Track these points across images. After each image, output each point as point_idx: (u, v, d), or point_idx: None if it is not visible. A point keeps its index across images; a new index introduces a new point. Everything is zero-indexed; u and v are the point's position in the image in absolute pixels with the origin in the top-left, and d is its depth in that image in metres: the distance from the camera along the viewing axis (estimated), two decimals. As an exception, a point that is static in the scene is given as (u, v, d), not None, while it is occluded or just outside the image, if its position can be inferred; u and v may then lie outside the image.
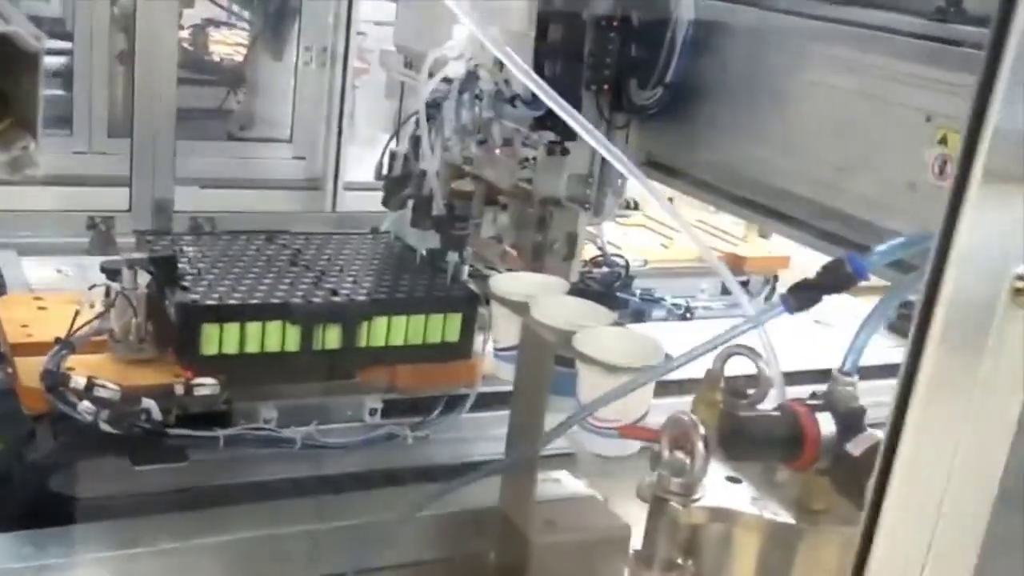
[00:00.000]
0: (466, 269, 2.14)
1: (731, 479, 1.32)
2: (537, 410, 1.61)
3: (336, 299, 1.82)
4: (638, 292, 2.64)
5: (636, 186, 1.79)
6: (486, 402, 1.97)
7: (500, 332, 1.75)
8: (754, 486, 1.30)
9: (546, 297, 1.68)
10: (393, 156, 2.16)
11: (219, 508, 1.73)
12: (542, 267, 1.93)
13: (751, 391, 1.33)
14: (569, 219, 1.91)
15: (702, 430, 1.22)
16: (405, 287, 1.92)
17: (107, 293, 1.80)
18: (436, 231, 2.03)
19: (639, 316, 2.65)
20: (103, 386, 1.69)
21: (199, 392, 1.72)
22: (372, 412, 1.92)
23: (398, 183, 2.13)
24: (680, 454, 1.24)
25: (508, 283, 1.75)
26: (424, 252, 2.07)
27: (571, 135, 1.83)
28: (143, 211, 2.67)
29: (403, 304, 1.87)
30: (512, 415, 1.69)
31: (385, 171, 2.16)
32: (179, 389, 1.71)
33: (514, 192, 1.94)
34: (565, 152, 1.89)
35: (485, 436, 1.98)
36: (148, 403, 1.69)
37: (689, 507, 1.23)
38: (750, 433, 1.22)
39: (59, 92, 3.18)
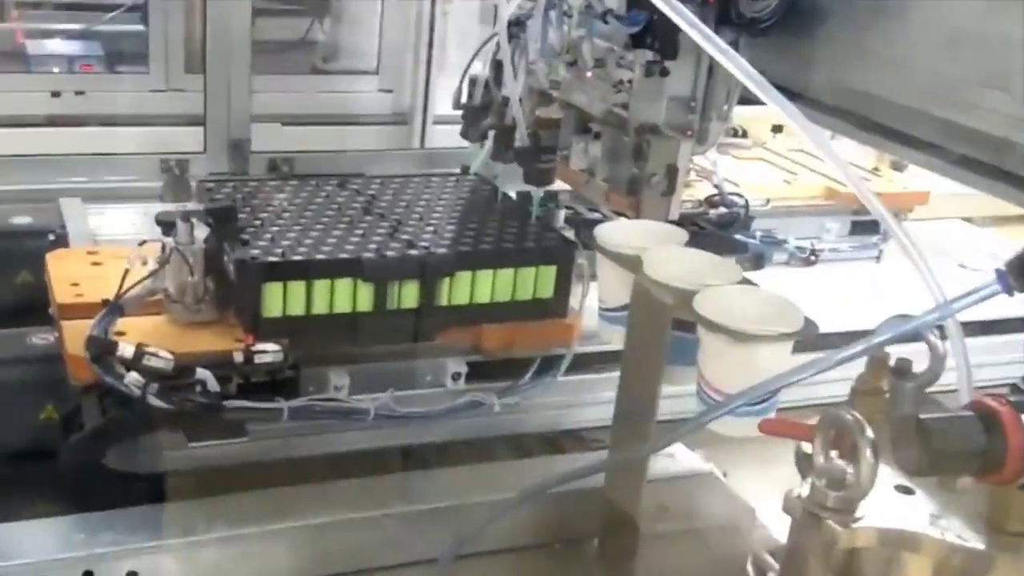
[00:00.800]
0: (561, 214, 1.98)
1: (902, 489, 1.09)
2: (651, 384, 1.45)
3: (413, 252, 1.70)
4: (758, 234, 2.44)
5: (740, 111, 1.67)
6: (583, 362, 1.84)
7: (607, 290, 1.59)
8: (931, 498, 1.07)
9: (661, 250, 1.52)
10: (473, 82, 2.01)
11: (285, 488, 1.58)
12: (638, 203, 1.75)
13: (918, 371, 1.08)
14: (669, 149, 1.73)
15: (869, 432, 1.00)
16: (491, 236, 1.79)
17: (163, 249, 1.68)
18: (519, 164, 1.88)
19: (759, 260, 2.41)
20: (154, 354, 1.56)
21: (260, 360, 1.61)
22: (455, 377, 1.79)
23: (478, 112, 2.00)
24: (839, 460, 1.01)
25: (616, 233, 1.58)
26: (514, 195, 1.92)
27: (671, 53, 1.70)
28: (219, 152, 2.51)
29: (489, 256, 1.74)
30: (621, 387, 1.52)
31: (464, 99, 2.03)
32: (238, 357, 1.60)
33: (607, 119, 1.77)
34: (665, 73, 1.71)
35: (581, 402, 1.87)
36: (203, 374, 1.56)
37: (850, 527, 1.02)
38: (938, 442, 0.98)
39: (136, 27, 3.06)
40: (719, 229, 2.40)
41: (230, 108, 2.52)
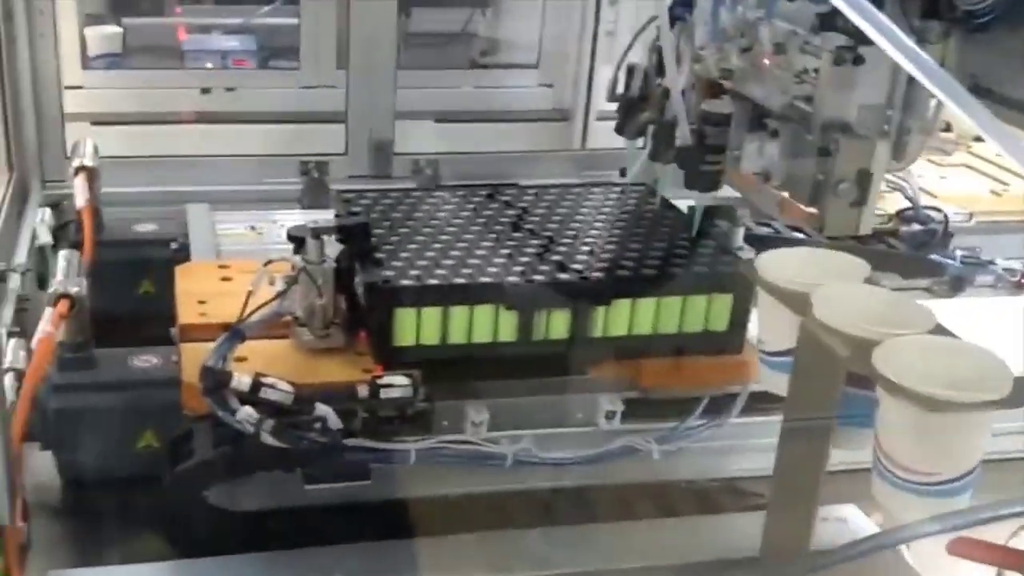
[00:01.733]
0: (740, 233, 1.77)
1: None
2: (817, 447, 1.31)
3: (564, 276, 1.58)
4: (958, 253, 2.25)
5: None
6: (751, 402, 1.67)
7: (768, 329, 1.47)
8: None
9: (835, 287, 1.37)
10: (631, 71, 1.84)
11: (407, 540, 1.48)
12: (822, 214, 1.55)
13: None
14: (862, 150, 1.52)
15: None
16: (656, 259, 1.66)
17: (292, 267, 1.58)
18: (680, 165, 1.70)
19: (958, 284, 2.25)
20: (272, 386, 1.43)
21: (387, 395, 1.47)
22: (609, 416, 1.65)
23: (636, 105, 1.83)
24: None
25: (781, 263, 1.45)
26: (686, 209, 1.76)
27: (866, 38, 1.43)
28: (360, 153, 2.47)
29: (652, 282, 1.61)
30: (781, 448, 1.38)
31: (621, 89, 1.87)
32: (363, 391, 1.47)
33: (787, 114, 1.61)
34: (859, 61, 1.52)
35: (747, 447, 1.71)
36: (323, 410, 1.43)
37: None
38: None
39: (289, 20, 2.98)
40: (912, 249, 2.22)
41: (373, 106, 2.47)
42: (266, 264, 1.55)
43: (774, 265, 1.45)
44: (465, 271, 1.56)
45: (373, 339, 1.56)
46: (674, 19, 1.68)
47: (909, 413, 1.19)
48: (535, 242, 1.67)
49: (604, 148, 2.73)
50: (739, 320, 1.64)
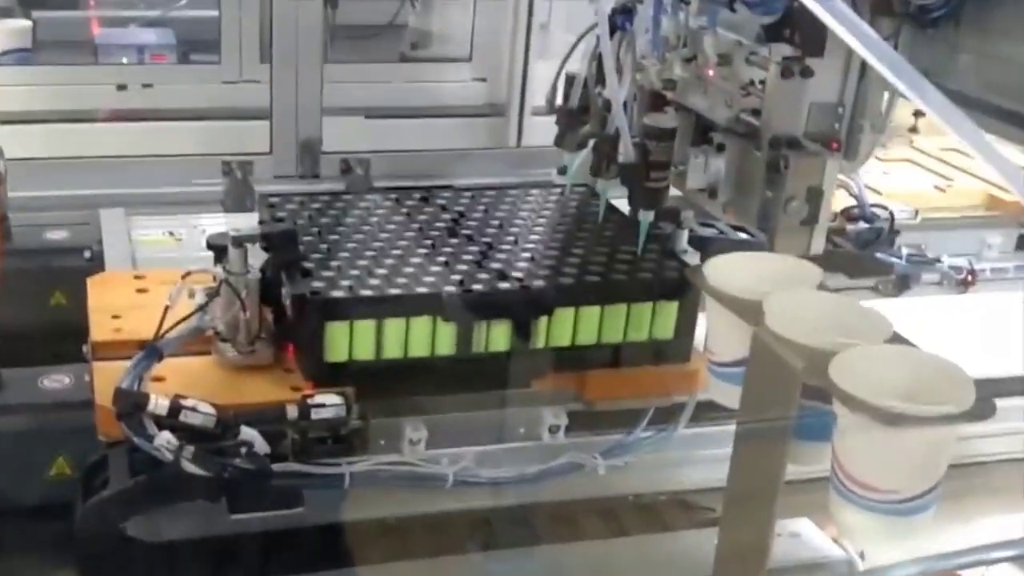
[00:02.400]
0: (685, 236, 1.76)
1: None
2: (772, 463, 1.28)
3: (505, 285, 1.54)
4: (904, 251, 2.22)
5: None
6: (700, 411, 1.65)
7: (718, 339, 1.43)
8: None
9: (788, 295, 1.34)
10: (571, 81, 1.82)
11: (345, 569, 1.46)
12: (771, 234, 1.55)
13: None
14: (812, 167, 1.54)
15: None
16: (599, 265, 1.62)
17: (213, 278, 1.52)
18: (623, 182, 1.68)
19: (904, 282, 2.27)
20: (193, 409, 1.37)
21: (318, 415, 1.43)
22: (553, 430, 1.61)
23: (575, 116, 1.81)
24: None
25: (730, 269, 1.42)
26: (628, 213, 1.71)
27: (816, 48, 1.53)
28: (286, 152, 2.40)
29: (596, 290, 1.57)
30: (734, 464, 1.35)
31: (560, 100, 1.85)
32: (292, 412, 1.42)
33: (733, 128, 1.60)
34: (808, 73, 1.52)
35: (694, 459, 1.69)
36: (249, 434, 1.38)
37: None
38: None
39: (209, 12, 2.88)
40: (858, 248, 2.13)
41: (299, 103, 2.39)
42: (185, 276, 1.49)
43: (723, 271, 1.41)
44: (400, 281, 1.51)
45: (302, 355, 1.51)
46: (614, 27, 1.64)
47: (867, 428, 1.15)
48: (473, 249, 1.62)
49: (541, 145, 2.60)
50: (686, 328, 1.60)
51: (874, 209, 2.13)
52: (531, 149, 2.69)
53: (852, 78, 1.58)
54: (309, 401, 1.42)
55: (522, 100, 2.80)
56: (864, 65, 1.55)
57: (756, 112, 1.57)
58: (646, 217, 1.63)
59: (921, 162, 2.52)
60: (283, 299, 1.50)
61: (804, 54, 1.51)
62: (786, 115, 1.55)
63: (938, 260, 2.26)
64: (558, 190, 1.86)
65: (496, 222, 1.72)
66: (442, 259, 1.58)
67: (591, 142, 1.75)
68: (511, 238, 1.67)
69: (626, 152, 1.63)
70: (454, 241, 1.64)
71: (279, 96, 2.37)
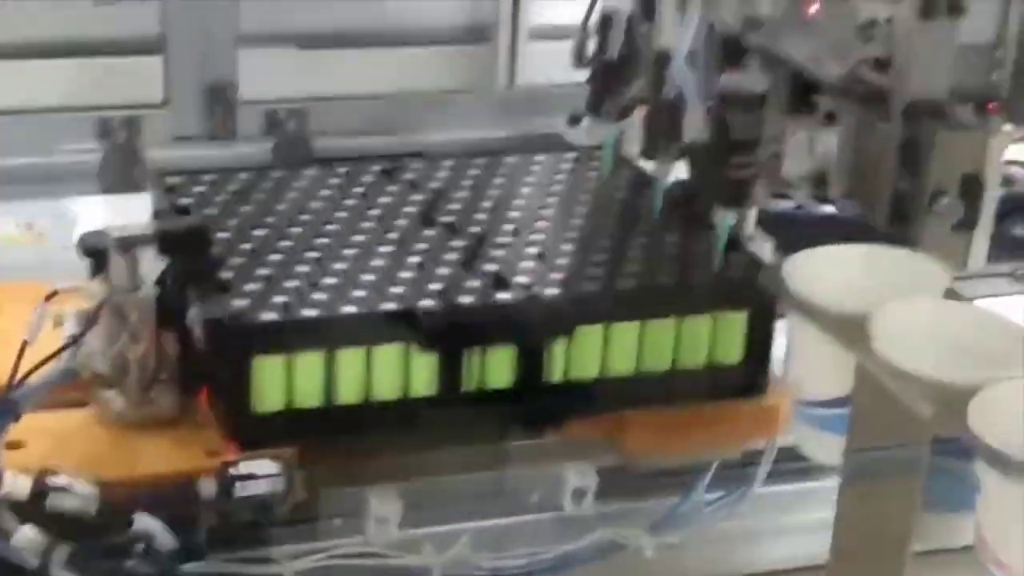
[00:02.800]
0: (752, 217, 1.74)
1: None
2: (889, 549, 1.33)
3: (505, 296, 1.55)
4: None
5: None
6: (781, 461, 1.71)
7: (806, 369, 1.47)
8: None
9: (906, 305, 1.36)
10: (607, 22, 1.84)
11: None
12: (911, 237, 1.55)
13: None
14: (969, 146, 1.52)
15: None
16: (636, 264, 1.64)
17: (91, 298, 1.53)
18: (691, 170, 1.72)
19: None
20: (66, 489, 1.36)
21: (246, 491, 1.41)
22: (578, 497, 1.62)
23: (617, 73, 1.83)
24: None
25: (818, 267, 1.44)
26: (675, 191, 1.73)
27: None
28: (188, 103, 2.42)
29: (634, 299, 1.60)
30: (835, 543, 1.39)
31: (592, 50, 1.89)
32: (208, 488, 1.40)
33: (849, 89, 1.59)
34: (958, 8, 1.51)
35: (779, 528, 1.75)
36: (147, 524, 1.36)
37: None
38: None
39: None
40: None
41: (205, 30, 2.42)
42: (49, 297, 1.47)
43: (808, 271, 1.42)
44: (357, 294, 1.51)
45: (220, 404, 1.51)
46: None
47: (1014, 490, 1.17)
48: (458, 244, 1.63)
49: (542, 83, 2.69)
50: (760, 348, 1.62)
51: (1009, 167, 2.20)
52: (530, 89, 2.68)
53: (1016, 6, 1.64)
54: (232, 471, 1.41)
55: (515, 19, 2.79)
56: None
57: (882, 65, 1.57)
58: (726, 220, 1.61)
59: None
60: (191, 325, 1.48)
61: None
62: (927, 71, 1.54)
63: None
64: (571, 156, 1.86)
65: (489, 204, 1.74)
66: (415, 260, 1.58)
67: (638, 110, 1.77)
68: (511, 227, 1.68)
69: (695, 126, 1.62)
70: (430, 233, 1.65)
71: (177, 19, 2.37)
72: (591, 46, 1.88)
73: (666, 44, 1.66)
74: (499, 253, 1.61)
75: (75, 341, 1.47)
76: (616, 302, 1.56)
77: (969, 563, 1.27)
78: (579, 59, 1.92)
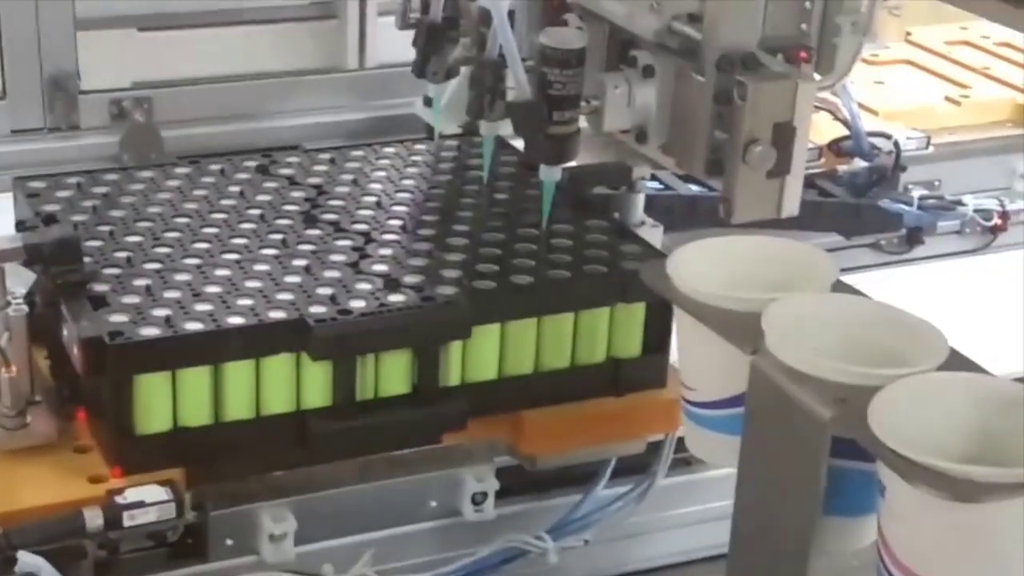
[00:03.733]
0: (641, 201, 1.74)
1: None
2: (789, 553, 1.28)
3: (399, 298, 1.51)
4: (915, 194, 2.26)
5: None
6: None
7: (696, 369, 1.42)
8: None
9: (798, 300, 1.34)
10: None
11: None
12: (726, 191, 1.55)
13: None
14: (779, 95, 1.53)
15: None
16: (529, 255, 1.61)
17: None
18: (516, 128, 1.67)
19: (915, 236, 2.29)
20: None
21: (136, 519, 1.36)
22: (478, 501, 1.62)
23: (441, 34, 1.82)
24: None
25: (704, 262, 1.41)
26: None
27: None
28: (27, 94, 2.30)
29: (530, 293, 1.56)
30: (734, 548, 1.35)
31: (416, 13, 1.88)
32: (94, 518, 1.35)
33: (665, 42, 1.59)
34: None
35: (682, 520, 1.73)
36: (30, 562, 1.30)
37: None
38: None
39: None
40: (854, 195, 2.22)
41: (40, 16, 2.32)
42: None
43: (695, 267, 1.38)
44: (242, 303, 1.45)
45: (102, 426, 1.44)
46: None
47: (929, 503, 1.13)
48: (344, 244, 1.58)
49: (395, 63, 2.56)
50: (658, 340, 1.60)
51: (872, 140, 2.22)
52: (384, 71, 2.61)
53: None
54: (119, 499, 1.36)
55: None
56: None
57: (694, 19, 1.56)
58: (551, 176, 1.60)
59: (923, 62, 2.52)
60: (66, 342, 1.40)
61: None
62: (737, 22, 1.55)
63: (960, 203, 2.28)
64: (452, 144, 1.81)
65: (372, 198, 1.69)
66: (301, 262, 1.53)
67: (465, 70, 1.77)
68: (396, 222, 1.64)
69: (520, 85, 1.59)
70: (314, 232, 1.60)
71: (9, 7, 2.26)
72: (414, 10, 1.86)
73: (487, 5, 1.62)
74: (385, 252, 1.57)
75: (-62, 366, 1.40)
76: (511, 298, 1.53)
77: (870, 565, 1.26)
78: (403, 21, 1.89)
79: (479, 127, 1.80)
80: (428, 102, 2.01)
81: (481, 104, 1.69)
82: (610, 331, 1.57)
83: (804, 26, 1.61)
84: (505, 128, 1.74)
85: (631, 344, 1.57)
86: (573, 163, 1.72)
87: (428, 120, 2.11)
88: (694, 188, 2.03)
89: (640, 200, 1.71)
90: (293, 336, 1.42)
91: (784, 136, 1.52)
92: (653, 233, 1.69)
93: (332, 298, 1.46)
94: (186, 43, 2.62)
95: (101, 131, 2.34)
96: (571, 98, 1.59)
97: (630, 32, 1.63)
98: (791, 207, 1.57)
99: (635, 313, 1.57)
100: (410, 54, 2.56)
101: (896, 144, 2.20)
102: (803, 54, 1.62)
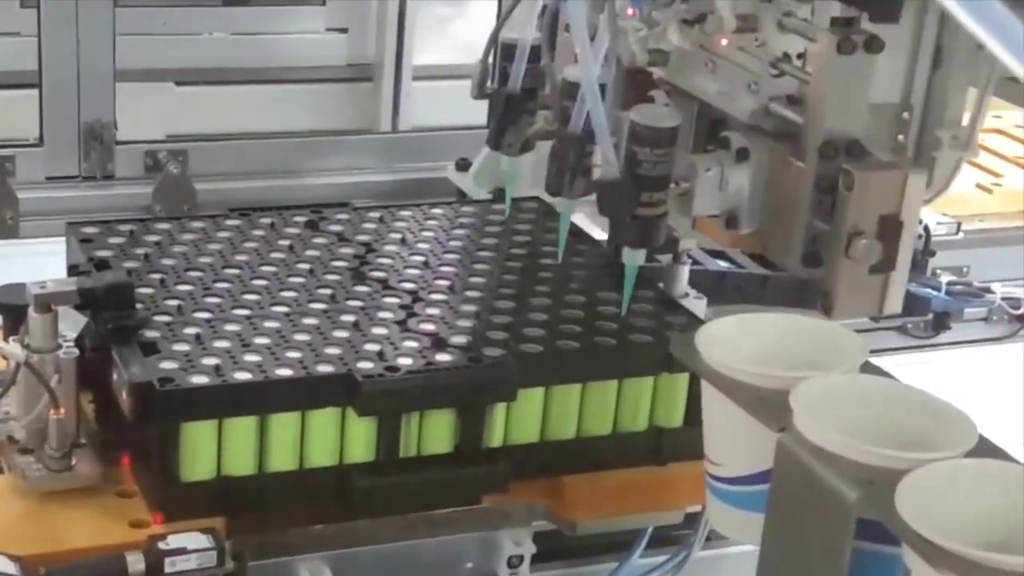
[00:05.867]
0: (685, 273, 1.73)
1: None
2: None
3: (445, 357, 1.50)
4: (943, 279, 2.27)
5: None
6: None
7: (721, 443, 1.40)
8: None
9: (827, 380, 1.31)
10: (507, 51, 1.75)
11: None
12: (829, 288, 1.50)
13: None
14: (888, 186, 1.46)
15: None
16: (577, 323, 1.60)
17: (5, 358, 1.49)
18: (602, 209, 1.62)
19: (941, 321, 2.31)
20: None
21: (177, 566, 1.35)
22: (514, 564, 1.60)
23: (518, 104, 1.76)
24: None
25: (732, 337, 1.39)
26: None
27: (886, 8, 1.48)
28: (64, 141, 2.34)
29: (575, 360, 1.55)
30: None
31: (493, 81, 1.81)
32: (136, 563, 1.34)
33: (761, 125, 1.54)
34: (876, 46, 1.45)
35: None
36: None
37: None
38: None
39: None
40: None
41: (82, 65, 2.34)
42: None
43: (724, 342, 1.36)
44: (291, 356, 1.44)
45: (146, 471, 1.43)
46: None
47: None
48: (392, 301, 1.58)
49: (428, 127, 2.69)
50: (700, 411, 1.49)
51: None
52: (419, 135, 2.66)
53: (922, 69, 1.54)
54: (161, 545, 1.34)
55: (399, 59, 2.80)
56: (939, 51, 1.52)
57: (793, 100, 1.51)
58: (634, 260, 1.54)
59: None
60: (115, 388, 1.40)
61: (872, 18, 1.45)
62: (843, 108, 1.47)
63: (988, 290, 2.28)
64: (500, 208, 1.80)
65: (419, 258, 1.68)
66: (349, 318, 1.52)
67: (540, 144, 1.72)
68: (444, 283, 1.63)
69: (607, 162, 1.53)
70: (362, 289, 1.59)
71: (52, 54, 2.29)
72: (492, 78, 1.83)
73: (576, 79, 1.56)
74: (434, 311, 1.55)
75: (-11, 407, 1.38)
76: (557, 364, 1.51)
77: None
78: (480, 90, 1.84)
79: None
80: (460, 166, 2.02)
81: (562, 180, 1.64)
82: (653, 400, 1.57)
83: (901, 137, 1.58)
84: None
85: (673, 414, 1.56)
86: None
87: (460, 185, 2.11)
88: (722, 264, 2.03)
89: (685, 272, 1.69)
90: (341, 391, 1.42)
91: (890, 230, 1.47)
92: (697, 305, 1.68)
93: (379, 354, 1.46)
94: (221, 98, 2.71)
95: (135, 181, 2.36)
96: (661, 179, 1.54)
97: (721, 112, 1.60)
98: (894, 305, 1.52)
99: (678, 384, 1.55)
100: (442, 119, 2.64)
101: (926, 228, 2.21)
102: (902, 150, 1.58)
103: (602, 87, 1.56)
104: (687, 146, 1.64)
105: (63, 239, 1.67)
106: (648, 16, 1.60)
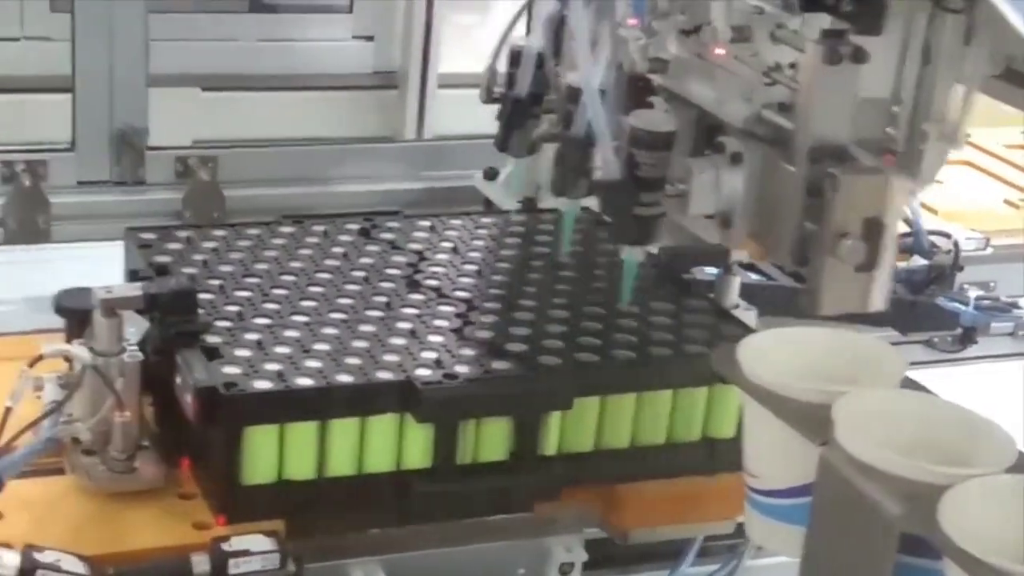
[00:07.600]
0: (736, 284, 1.74)
1: None
2: None
3: (502, 365, 1.51)
4: (971, 294, 2.25)
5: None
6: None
7: (761, 456, 1.40)
8: None
9: (870, 396, 1.32)
10: (516, 58, 1.80)
11: None
12: (813, 281, 1.52)
13: None
14: (871, 190, 1.50)
15: None
16: (629, 331, 1.61)
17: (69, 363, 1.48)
18: (603, 208, 1.69)
19: (969, 336, 2.28)
20: (55, 568, 1.28)
21: (240, 568, 1.36)
22: (565, 571, 1.60)
23: (525, 109, 1.80)
24: None
25: (773, 352, 1.40)
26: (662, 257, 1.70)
27: (871, 21, 1.51)
28: (96, 146, 2.36)
29: (630, 370, 1.56)
30: None
31: (501, 86, 1.85)
32: (201, 565, 1.36)
33: (754, 131, 1.57)
34: (861, 57, 1.48)
35: None
36: None
37: None
38: None
39: None
40: (912, 292, 2.21)
41: (114, 71, 2.36)
42: (33, 363, 1.39)
43: (765, 354, 1.37)
44: (350, 362, 1.46)
45: (208, 474, 1.45)
46: None
47: None
48: (448, 309, 1.59)
49: (452, 136, 2.70)
50: None
51: (932, 238, 2.22)
52: (442, 143, 2.68)
53: (911, 66, 1.54)
54: (225, 547, 1.35)
55: (425, 67, 2.80)
56: (927, 47, 1.52)
57: (785, 108, 1.54)
58: (633, 256, 1.58)
59: (983, 164, 2.53)
60: (178, 392, 1.41)
61: (858, 30, 1.46)
62: (830, 115, 1.51)
63: (1015, 305, 2.27)
64: (549, 217, 1.81)
65: (472, 267, 1.70)
66: (405, 325, 1.53)
67: (547, 146, 1.73)
68: (498, 291, 1.64)
69: (606, 164, 1.57)
70: (417, 297, 1.60)
71: (85, 59, 2.31)
72: (499, 83, 1.86)
73: (578, 84, 1.60)
74: (488, 319, 1.57)
75: (58, 408, 1.40)
76: (613, 373, 1.53)
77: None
78: (487, 95, 1.88)
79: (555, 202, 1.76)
80: (489, 175, 2.03)
81: (565, 181, 1.66)
82: (706, 411, 1.57)
83: (891, 130, 1.58)
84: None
85: (726, 424, 1.57)
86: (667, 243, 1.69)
87: (487, 194, 2.13)
88: (753, 276, 2.02)
89: (736, 283, 1.70)
90: (400, 397, 1.43)
91: (874, 231, 1.50)
92: (747, 316, 1.69)
93: (437, 362, 1.47)
94: (247, 104, 2.71)
95: (165, 187, 2.38)
96: (658, 180, 1.57)
97: (717, 118, 1.62)
98: (876, 303, 1.54)
99: (731, 394, 1.55)
100: (468, 127, 2.64)
101: (956, 244, 2.20)
102: (888, 156, 1.58)
103: (605, 93, 1.58)
104: (685, 150, 1.66)
105: (93, 244, 1.68)
106: (648, 26, 1.62)
